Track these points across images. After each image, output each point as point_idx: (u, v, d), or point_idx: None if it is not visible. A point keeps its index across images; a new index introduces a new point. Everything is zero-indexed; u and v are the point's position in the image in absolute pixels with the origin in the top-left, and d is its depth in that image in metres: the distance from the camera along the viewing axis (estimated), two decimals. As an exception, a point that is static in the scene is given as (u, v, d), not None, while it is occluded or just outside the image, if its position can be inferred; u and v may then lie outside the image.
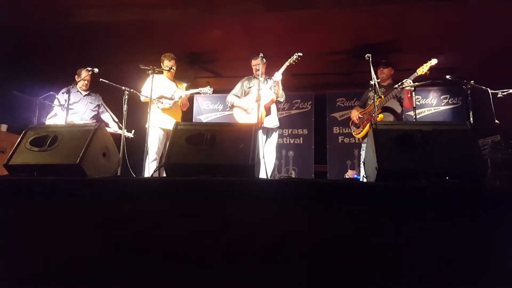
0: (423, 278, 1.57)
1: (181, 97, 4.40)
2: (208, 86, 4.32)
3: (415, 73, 3.86)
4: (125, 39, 5.55)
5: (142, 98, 4.21)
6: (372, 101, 4.22)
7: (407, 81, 3.85)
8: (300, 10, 4.84)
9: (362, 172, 4.13)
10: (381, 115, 4.06)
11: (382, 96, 4.08)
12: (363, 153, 4.37)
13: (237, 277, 1.66)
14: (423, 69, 3.82)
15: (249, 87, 4.41)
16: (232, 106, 4.45)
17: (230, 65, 6.29)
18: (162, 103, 4.28)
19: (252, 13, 4.96)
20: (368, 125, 4.17)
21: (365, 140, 4.30)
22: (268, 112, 4.25)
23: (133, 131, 4.39)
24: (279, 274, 1.64)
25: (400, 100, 4.20)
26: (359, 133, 4.37)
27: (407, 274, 1.59)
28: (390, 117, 4.15)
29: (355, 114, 4.43)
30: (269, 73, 4.42)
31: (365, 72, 4.39)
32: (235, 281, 1.65)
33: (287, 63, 4.12)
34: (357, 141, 6.10)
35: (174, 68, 4.43)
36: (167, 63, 4.46)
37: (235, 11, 4.93)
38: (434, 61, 3.80)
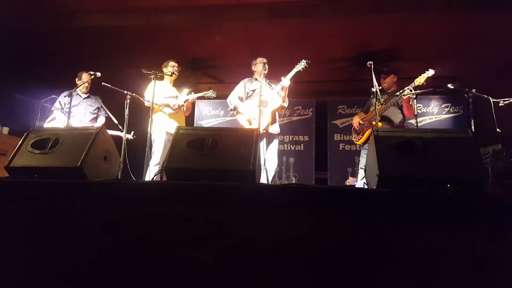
0: (422, 284, 1.56)
1: (187, 100, 4.42)
2: (212, 90, 4.35)
3: (413, 83, 3.88)
4: (127, 44, 5.58)
5: (146, 103, 4.23)
6: (373, 108, 4.24)
7: (406, 90, 3.88)
8: (301, 17, 4.86)
9: (360, 178, 4.16)
10: (379, 123, 4.08)
11: (383, 104, 4.10)
12: (362, 160, 4.37)
13: (237, 282, 1.65)
14: (420, 80, 3.83)
15: (252, 90, 4.32)
16: (236, 110, 4.34)
17: (232, 71, 6.30)
18: (168, 106, 4.31)
19: (253, 20, 4.99)
20: (367, 132, 4.21)
21: (365, 147, 4.31)
22: (274, 118, 4.22)
23: (132, 132, 4.39)
24: (279, 279, 1.63)
25: (401, 108, 4.21)
26: (359, 140, 4.39)
27: (406, 280, 1.58)
28: (388, 126, 4.16)
29: (356, 121, 4.45)
30: (269, 77, 4.42)
31: (366, 80, 4.42)
32: (236, 286, 1.64)
33: (295, 69, 4.09)
34: (358, 148, 6.09)
35: (177, 74, 4.47)
36: (172, 63, 4.56)
37: (237, 18, 4.96)
38: (431, 72, 3.80)
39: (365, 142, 4.30)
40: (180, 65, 4.66)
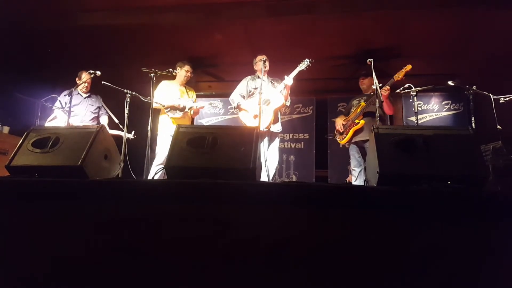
0: (423, 282, 1.56)
1: (192, 108, 4.44)
2: (219, 100, 4.39)
3: (392, 79, 3.94)
4: (127, 42, 5.57)
5: (154, 105, 4.22)
6: (354, 108, 4.40)
7: (385, 87, 3.96)
8: (301, 14, 4.86)
9: (354, 178, 4.25)
10: (362, 121, 4.22)
11: (363, 103, 4.26)
12: (351, 162, 4.44)
13: (238, 280, 1.65)
14: (398, 75, 3.96)
15: (255, 88, 4.28)
16: (239, 108, 4.31)
17: (232, 69, 6.30)
18: (174, 111, 4.35)
19: (254, 18, 4.98)
20: (351, 131, 4.32)
21: (351, 148, 4.44)
22: (276, 117, 4.21)
23: (133, 132, 4.40)
24: (279, 277, 1.63)
25: (381, 105, 4.23)
26: (342, 139, 4.48)
27: (406, 278, 1.58)
28: (371, 122, 4.20)
29: (339, 122, 4.54)
30: (270, 75, 4.42)
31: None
32: (236, 284, 1.64)
33: (298, 68, 4.09)
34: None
35: (176, 72, 4.47)
36: (187, 67, 4.63)
37: (237, 16, 4.95)
38: (408, 67, 3.93)
39: (349, 141, 4.42)
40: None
